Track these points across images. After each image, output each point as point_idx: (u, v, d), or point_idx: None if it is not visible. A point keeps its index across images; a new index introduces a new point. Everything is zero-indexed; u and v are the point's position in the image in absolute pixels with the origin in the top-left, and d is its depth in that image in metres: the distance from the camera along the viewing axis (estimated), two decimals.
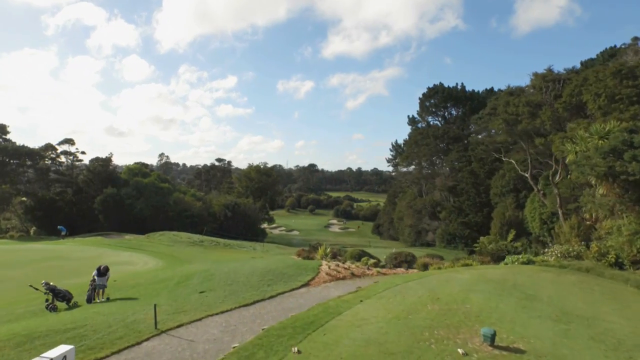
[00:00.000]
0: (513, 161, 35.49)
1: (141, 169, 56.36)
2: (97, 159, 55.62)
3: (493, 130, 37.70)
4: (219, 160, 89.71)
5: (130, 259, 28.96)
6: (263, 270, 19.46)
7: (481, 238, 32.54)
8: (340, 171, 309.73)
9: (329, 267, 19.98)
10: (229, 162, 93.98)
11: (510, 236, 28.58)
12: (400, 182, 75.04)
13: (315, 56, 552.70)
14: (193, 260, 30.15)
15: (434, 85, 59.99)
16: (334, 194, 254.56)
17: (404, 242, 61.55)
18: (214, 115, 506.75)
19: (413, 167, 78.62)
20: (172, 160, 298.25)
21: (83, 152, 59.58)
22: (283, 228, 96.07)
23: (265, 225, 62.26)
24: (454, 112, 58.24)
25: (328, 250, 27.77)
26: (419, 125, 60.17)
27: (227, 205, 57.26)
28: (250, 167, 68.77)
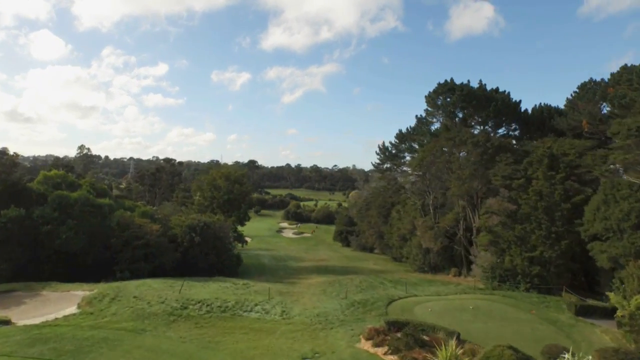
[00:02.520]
0: None
1: (66, 178, 37.72)
2: None
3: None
4: (167, 160, 70.62)
5: None
6: None
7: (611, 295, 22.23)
8: (279, 167, 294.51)
9: None
10: (180, 163, 75.23)
11: None
12: (388, 189, 63.96)
13: (253, 47, 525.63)
14: None
15: (445, 81, 49.41)
16: (274, 192, 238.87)
17: (411, 265, 50.45)
18: (141, 104, 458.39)
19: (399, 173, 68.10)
20: (93, 152, 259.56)
21: None
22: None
23: (239, 249, 47.00)
24: (456, 114, 48.38)
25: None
26: (432, 127, 49.30)
27: (192, 226, 41.10)
28: (216, 171, 52.64)
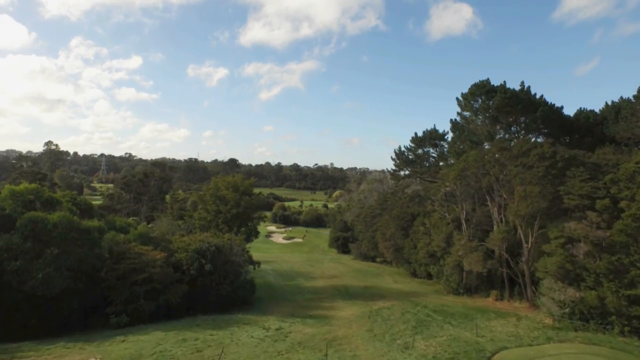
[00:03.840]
0: None
1: (40, 193, 28.64)
2: None
3: None
4: (156, 164, 61.00)
5: None
6: None
7: None
8: (259, 166, 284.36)
9: None
10: (171, 168, 65.58)
11: None
12: (403, 197, 57.80)
13: (232, 42, 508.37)
14: None
15: (481, 81, 43.50)
16: (255, 191, 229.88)
17: (444, 286, 44.30)
18: (112, 98, 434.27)
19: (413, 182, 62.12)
20: (61, 147, 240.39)
21: None
22: None
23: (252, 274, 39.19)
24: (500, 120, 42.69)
25: None
26: (468, 133, 43.09)
27: (201, 251, 33.10)
28: (221, 180, 44.33)
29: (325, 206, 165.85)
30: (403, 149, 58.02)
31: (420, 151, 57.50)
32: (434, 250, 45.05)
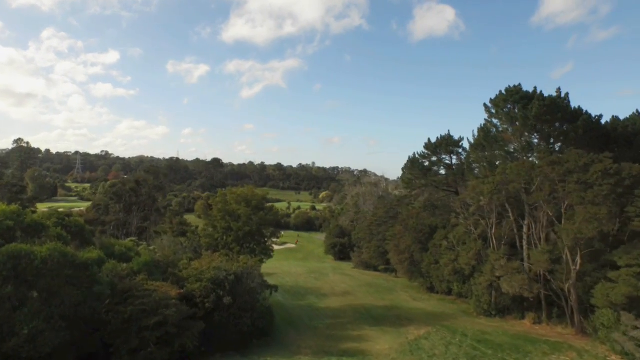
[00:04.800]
0: None
1: (22, 217, 22.63)
2: None
3: None
4: (149, 171, 54.33)
5: None
6: None
7: None
8: (242, 165, 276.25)
9: None
10: (165, 175, 58.91)
11: None
12: (416, 207, 53.93)
13: (213, 38, 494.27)
14: None
15: (513, 87, 39.94)
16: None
17: (474, 306, 40.50)
18: (88, 94, 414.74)
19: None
20: (31, 143, 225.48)
21: None
22: None
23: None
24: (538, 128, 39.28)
25: None
26: (506, 145, 39.31)
27: (218, 281, 27.84)
28: (230, 193, 38.71)
29: (314, 208, 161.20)
30: (417, 156, 54.09)
31: (434, 158, 53.72)
32: (462, 268, 41.26)
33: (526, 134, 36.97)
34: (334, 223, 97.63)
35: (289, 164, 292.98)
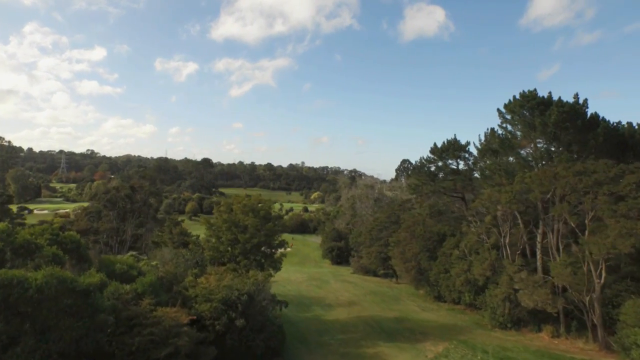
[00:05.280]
0: None
1: (12, 236, 19.66)
2: None
3: None
4: (144, 176, 50.10)
5: None
6: None
7: None
8: (231, 165, 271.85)
9: None
10: (162, 181, 55.27)
11: None
12: (422, 213, 52.34)
13: (203, 36, 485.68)
14: None
15: (529, 92, 38.52)
16: (229, 191, 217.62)
17: (489, 319, 38.93)
18: (73, 91, 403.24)
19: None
20: (12, 141, 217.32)
21: None
22: None
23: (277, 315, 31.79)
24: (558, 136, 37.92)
25: None
26: (519, 150, 37.83)
27: (230, 302, 25.51)
28: (236, 201, 36.28)
29: (306, 210, 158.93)
30: (424, 161, 52.46)
31: (440, 163, 52.17)
32: (475, 279, 39.71)
33: (543, 141, 35.54)
34: (330, 226, 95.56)
35: (278, 164, 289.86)
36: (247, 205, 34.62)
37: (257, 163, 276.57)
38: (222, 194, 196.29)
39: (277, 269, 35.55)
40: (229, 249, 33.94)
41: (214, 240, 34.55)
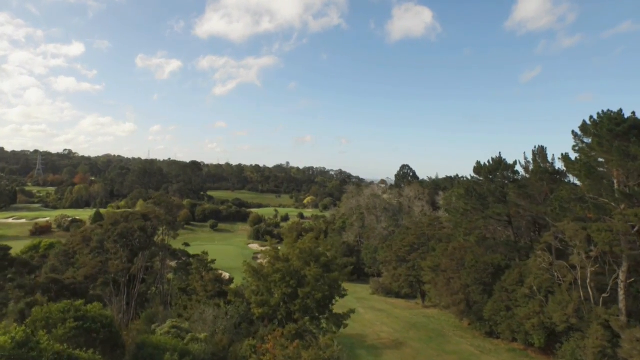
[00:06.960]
0: None
1: (31, 343, 12.65)
2: None
3: None
4: (160, 203, 42.54)
5: None
6: None
7: None
8: (218, 166, 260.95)
9: None
10: (178, 207, 47.32)
11: None
12: (469, 240, 46.98)
13: (187, 33, 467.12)
14: None
15: (612, 113, 33.59)
16: (217, 194, 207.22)
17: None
18: (48, 87, 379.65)
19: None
20: None
21: None
22: None
23: None
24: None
25: None
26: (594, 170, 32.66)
27: None
28: (288, 242, 29.42)
29: (302, 216, 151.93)
30: (471, 181, 46.98)
31: (493, 186, 46.87)
32: (553, 323, 34.43)
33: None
34: (339, 239, 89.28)
35: (263, 164, 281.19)
36: (303, 250, 27.85)
37: (241, 163, 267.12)
38: (210, 197, 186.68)
39: (339, 326, 28.98)
40: (284, 305, 27.10)
41: (264, 293, 27.56)
